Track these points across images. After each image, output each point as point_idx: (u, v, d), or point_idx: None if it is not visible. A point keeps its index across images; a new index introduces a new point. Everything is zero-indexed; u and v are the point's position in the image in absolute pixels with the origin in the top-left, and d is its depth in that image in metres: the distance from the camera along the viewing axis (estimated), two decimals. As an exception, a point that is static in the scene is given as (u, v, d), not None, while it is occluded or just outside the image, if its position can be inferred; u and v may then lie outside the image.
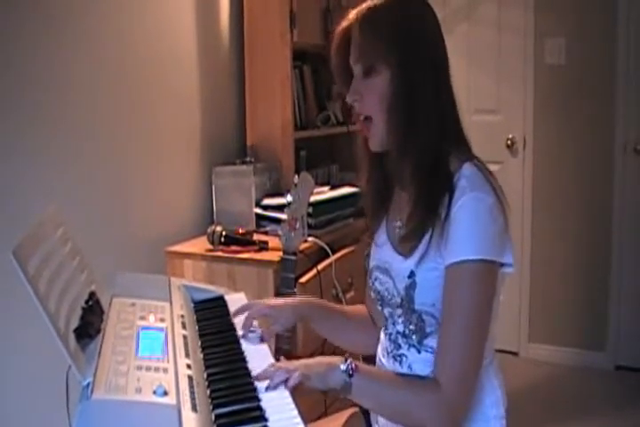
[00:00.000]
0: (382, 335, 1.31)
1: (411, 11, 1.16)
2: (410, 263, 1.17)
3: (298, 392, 1.07)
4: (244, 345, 1.25)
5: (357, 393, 1.10)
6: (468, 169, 1.13)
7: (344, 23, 1.18)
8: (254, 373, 1.12)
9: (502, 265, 1.13)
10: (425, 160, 1.14)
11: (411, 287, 1.16)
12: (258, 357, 1.19)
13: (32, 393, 1.72)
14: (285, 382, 1.06)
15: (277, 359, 1.22)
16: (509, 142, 3.37)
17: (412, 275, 1.16)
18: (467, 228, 1.09)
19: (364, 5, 1.17)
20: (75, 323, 1.08)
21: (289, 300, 1.38)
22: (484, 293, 1.10)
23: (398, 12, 1.15)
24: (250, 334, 1.28)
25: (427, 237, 1.14)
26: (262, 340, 1.27)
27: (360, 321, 1.42)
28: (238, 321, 1.32)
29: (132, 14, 2.08)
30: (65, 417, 1.14)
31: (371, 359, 1.35)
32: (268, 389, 1.06)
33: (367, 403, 1.14)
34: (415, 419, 1.10)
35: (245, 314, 1.31)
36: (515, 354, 3.44)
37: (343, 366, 1.09)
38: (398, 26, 1.13)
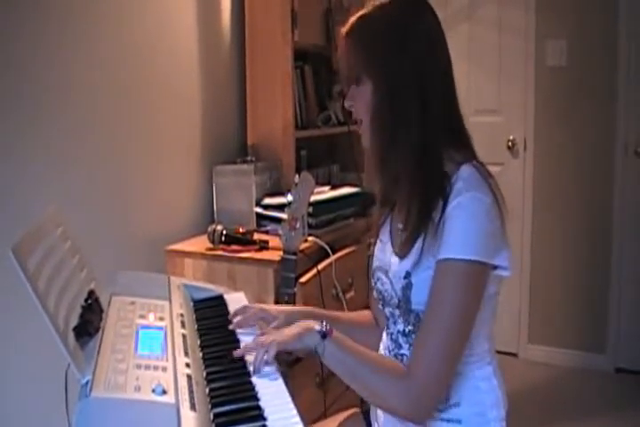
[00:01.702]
0: (384, 335, 1.31)
1: (408, 11, 1.16)
2: (405, 265, 1.17)
3: (283, 357, 1.16)
4: (244, 344, 1.25)
5: (329, 358, 1.13)
6: (465, 171, 1.13)
7: (343, 30, 1.20)
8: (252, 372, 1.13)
9: (496, 267, 1.12)
10: (409, 164, 1.15)
11: (407, 288, 1.17)
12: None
13: (31, 391, 1.72)
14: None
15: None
16: (510, 143, 3.37)
17: (407, 276, 1.16)
18: (461, 225, 1.08)
19: (359, 12, 1.18)
20: (74, 321, 1.08)
21: (283, 307, 1.39)
22: (470, 293, 1.09)
23: (391, 17, 1.15)
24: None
25: (421, 238, 1.14)
26: None
27: (356, 326, 1.42)
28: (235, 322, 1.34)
29: (132, 14, 2.08)
30: (64, 415, 1.14)
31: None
32: (255, 372, 1.11)
33: (339, 371, 1.14)
34: (383, 400, 1.12)
35: (239, 318, 1.33)
36: (514, 355, 3.43)
37: (318, 327, 1.14)
38: (384, 35, 1.14)
